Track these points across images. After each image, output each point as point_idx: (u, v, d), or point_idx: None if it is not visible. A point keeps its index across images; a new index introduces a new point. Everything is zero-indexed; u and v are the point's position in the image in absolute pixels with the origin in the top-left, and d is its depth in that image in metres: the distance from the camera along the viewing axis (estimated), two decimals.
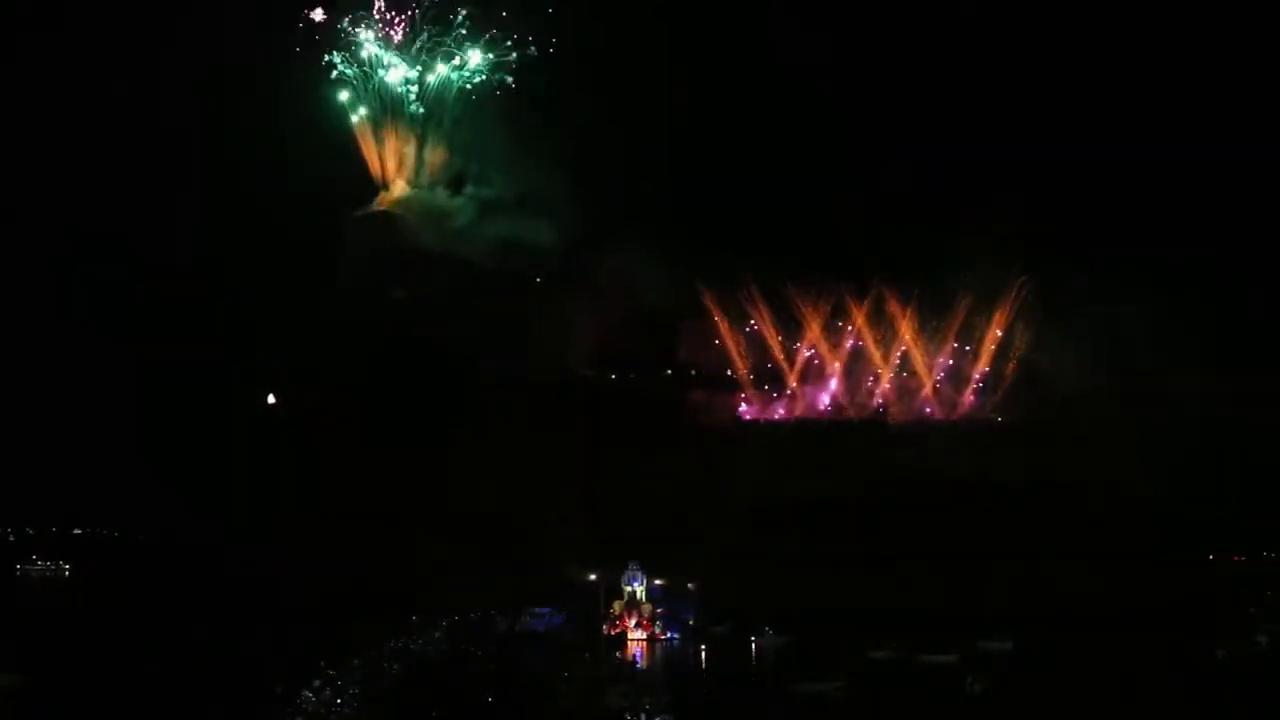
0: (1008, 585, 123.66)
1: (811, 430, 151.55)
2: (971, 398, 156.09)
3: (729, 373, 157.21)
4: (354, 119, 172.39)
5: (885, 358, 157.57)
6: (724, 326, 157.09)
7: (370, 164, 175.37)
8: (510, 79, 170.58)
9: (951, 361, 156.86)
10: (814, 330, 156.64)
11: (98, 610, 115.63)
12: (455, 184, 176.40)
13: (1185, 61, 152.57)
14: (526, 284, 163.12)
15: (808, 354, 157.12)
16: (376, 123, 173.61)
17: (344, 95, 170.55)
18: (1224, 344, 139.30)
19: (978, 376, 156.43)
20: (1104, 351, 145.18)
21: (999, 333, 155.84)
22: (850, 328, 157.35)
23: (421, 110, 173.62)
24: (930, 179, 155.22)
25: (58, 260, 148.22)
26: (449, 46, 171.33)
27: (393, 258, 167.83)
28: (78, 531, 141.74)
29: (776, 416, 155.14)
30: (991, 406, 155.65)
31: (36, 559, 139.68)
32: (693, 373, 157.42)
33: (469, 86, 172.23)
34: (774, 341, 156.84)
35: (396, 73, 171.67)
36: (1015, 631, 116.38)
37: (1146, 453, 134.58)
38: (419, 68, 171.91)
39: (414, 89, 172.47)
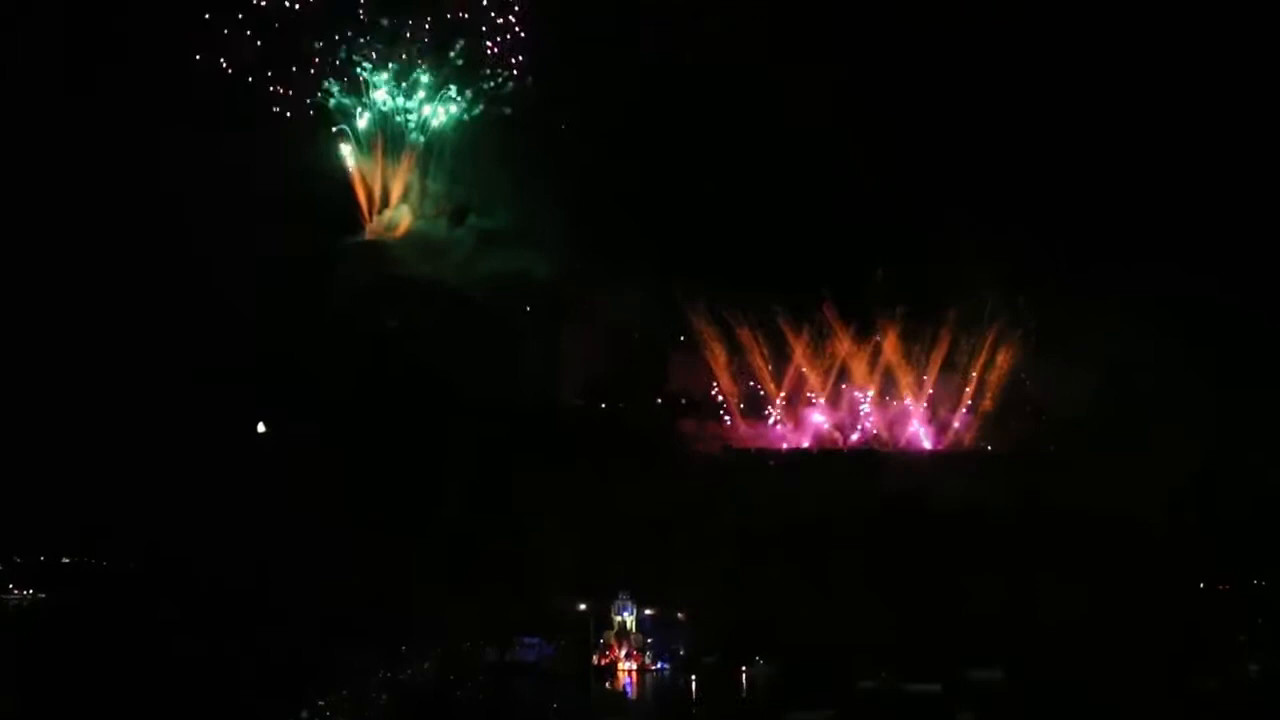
0: (997, 613, 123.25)
1: (801, 459, 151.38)
2: (962, 426, 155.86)
3: (720, 401, 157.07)
4: (348, 147, 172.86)
5: (877, 385, 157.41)
6: (715, 356, 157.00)
7: (365, 193, 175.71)
8: (508, 109, 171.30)
9: (943, 389, 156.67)
10: (804, 359, 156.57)
11: (75, 637, 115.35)
12: (457, 215, 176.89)
13: (1182, 78, 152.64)
14: (517, 313, 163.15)
15: (798, 382, 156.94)
16: (372, 152, 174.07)
17: (339, 123, 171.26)
18: (1218, 372, 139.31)
19: (969, 404, 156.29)
20: (1096, 379, 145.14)
21: (991, 360, 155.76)
22: (841, 355, 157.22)
23: (421, 139, 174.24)
24: (923, 205, 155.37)
25: (40, 284, 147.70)
26: (446, 76, 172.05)
27: (385, 286, 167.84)
28: (65, 560, 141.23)
29: (767, 445, 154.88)
30: (983, 434, 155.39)
31: (13, 587, 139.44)
32: (683, 401, 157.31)
33: (466, 118, 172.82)
34: (764, 371, 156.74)
35: (394, 102, 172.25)
36: (1005, 660, 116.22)
37: (1137, 480, 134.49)
38: (417, 97, 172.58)
39: (411, 118, 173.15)
